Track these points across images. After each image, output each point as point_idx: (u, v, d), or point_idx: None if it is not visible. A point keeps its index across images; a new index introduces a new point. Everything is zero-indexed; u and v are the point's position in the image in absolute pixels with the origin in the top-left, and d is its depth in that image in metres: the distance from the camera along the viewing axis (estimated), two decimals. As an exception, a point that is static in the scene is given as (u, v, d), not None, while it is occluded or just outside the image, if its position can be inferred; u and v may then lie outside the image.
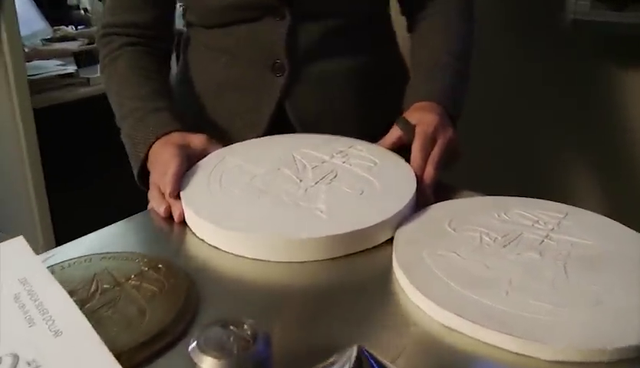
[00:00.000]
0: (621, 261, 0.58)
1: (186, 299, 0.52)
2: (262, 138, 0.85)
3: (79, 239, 0.67)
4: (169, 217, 0.70)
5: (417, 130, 0.77)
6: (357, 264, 0.62)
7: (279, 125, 0.88)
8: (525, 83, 1.43)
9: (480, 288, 0.53)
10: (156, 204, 0.71)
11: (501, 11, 1.36)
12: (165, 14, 0.92)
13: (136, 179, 0.81)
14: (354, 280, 0.59)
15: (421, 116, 0.79)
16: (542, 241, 0.62)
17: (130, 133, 0.82)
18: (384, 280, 0.58)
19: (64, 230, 2.29)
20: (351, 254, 0.62)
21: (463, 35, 0.91)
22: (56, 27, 2.93)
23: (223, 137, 0.89)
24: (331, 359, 0.40)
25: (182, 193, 0.69)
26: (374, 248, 0.64)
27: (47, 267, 0.57)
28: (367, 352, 0.40)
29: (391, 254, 0.61)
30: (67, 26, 3.02)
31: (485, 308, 0.50)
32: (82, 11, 3.21)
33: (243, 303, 0.55)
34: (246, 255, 0.62)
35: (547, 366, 0.46)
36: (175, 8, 0.94)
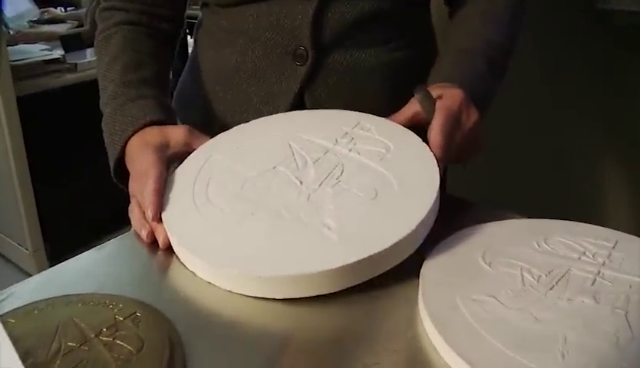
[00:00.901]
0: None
1: (169, 365, 0.42)
2: (253, 122, 0.72)
3: (43, 272, 0.56)
4: (154, 242, 0.60)
5: (439, 105, 0.65)
6: (374, 298, 0.52)
7: None
8: (550, 79, 1.32)
9: (530, 350, 0.43)
10: (138, 226, 0.61)
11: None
12: None
13: (112, 174, 0.71)
14: (370, 323, 0.49)
15: (444, 91, 0.68)
16: (594, 280, 0.52)
17: (108, 121, 0.72)
18: (407, 325, 0.49)
19: (51, 223, 2.20)
20: (366, 285, 0.52)
21: (506, 25, 0.79)
22: (43, 9, 2.81)
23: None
24: None
25: (164, 216, 0.59)
26: (394, 271, 0.53)
27: (0, 316, 0.47)
28: None
29: (412, 277, 0.52)
30: (55, 8, 2.89)
31: (540, 380, 0.41)
32: (71, -8, 3.08)
33: (239, 356, 0.45)
34: (245, 293, 0.52)
35: None
36: None
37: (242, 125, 0.72)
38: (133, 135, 0.68)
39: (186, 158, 0.67)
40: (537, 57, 1.30)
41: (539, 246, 0.57)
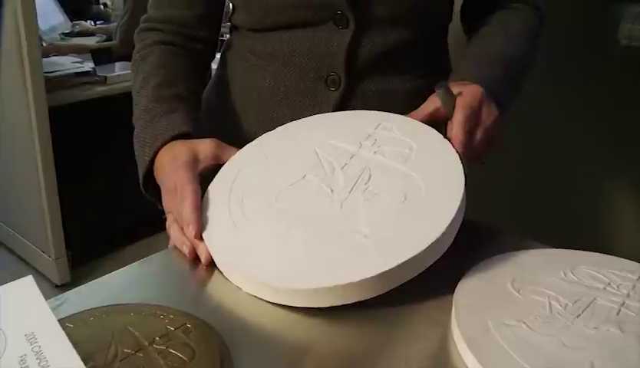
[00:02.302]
0: None
1: (220, 374, 0.45)
2: (276, 130, 0.75)
3: (93, 282, 0.59)
4: (196, 258, 0.63)
5: (460, 101, 0.68)
6: (409, 310, 0.55)
7: None
8: (574, 110, 1.35)
9: (559, 374, 0.46)
10: (179, 243, 0.64)
11: (552, 34, 1.28)
12: (210, 13, 0.85)
13: (141, 185, 0.74)
14: (407, 340, 0.52)
15: (464, 88, 0.70)
16: (619, 310, 0.54)
17: (139, 134, 0.75)
18: (440, 343, 0.51)
19: (74, 232, 2.24)
20: (400, 299, 0.56)
21: (524, 44, 0.82)
22: (75, 22, 2.89)
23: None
24: None
25: (205, 235, 0.62)
26: (427, 281, 0.56)
27: (59, 320, 0.50)
28: None
29: (446, 289, 0.55)
30: (86, 21, 2.97)
31: (569, 404, 0.43)
32: (102, 6, 3.17)
33: (282, 362, 0.49)
34: (288, 304, 0.55)
35: None
36: (223, 8, 0.87)
37: (267, 134, 0.74)
38: (162, 147, 0.71)
39: (215, 171, 0.69)
40: (565, 88, 1.33)
41: (565, 276, 0.59)
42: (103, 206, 2.29)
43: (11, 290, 0.55)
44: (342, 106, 0.79)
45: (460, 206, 0.59)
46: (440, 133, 0.68)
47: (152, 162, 0.72)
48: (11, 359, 0.45)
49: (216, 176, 0.69)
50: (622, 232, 1.38)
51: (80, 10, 3.01)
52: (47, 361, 0.45)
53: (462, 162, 0.63)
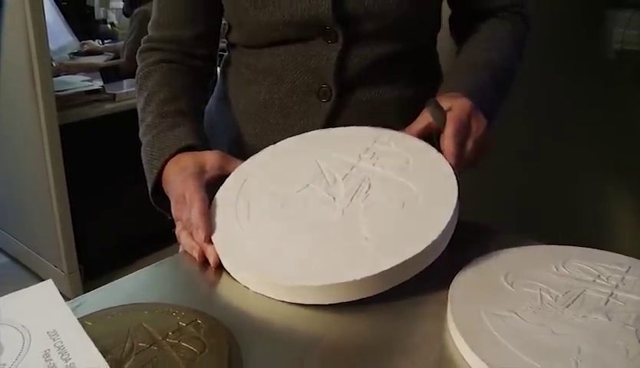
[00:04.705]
0: (699, 328, 0.53)
1: (229, 364, 0.48)
2: (277, 144, 0.78)
3: (107, 285, 0.63)
4: (205, 261, 0.66)
5: (450, 116, 0.71)
6: (408, 306, 0.58)
7: None
8: (567, 113, 1.38)
9: (547, 358, 0.48)
10: (189, 247, 0.67)
11: (547, 39, 1.32)
12: (208, 32, 0.89)
13: (150, 198, 0.78)
14: (405, 333, 0.55)
15: (453, 102, 0.74)
16: (607, 300, 0.57)
17: (146, 149, 0.79)
18: (436, 334, 0.54)
19: (86, 247, 2.28)
20: (400, 294, 0.59)
21: (509, 51, 0.86)
22: (83, 41, 2.95)
23: None
24: None
25: (214, 239, 0.65)
26: (426, 280, 0.60)
27: (78, 319, 0.53)
28: None
29: (441, 287, 0.58)
30: (94, 40, 3.04)
31: (556, 384, 0.46)
32: (109, 26, 3.24)
33: (290, 354, 0.52)
34: (294, 301, 0.58)
35: None
36: (220, 26, 0.91)
37: (269, 147, 0.78)
38: (169, 160, 0.75)
39: (220, 182, 0.73)
40: (560, 91, 1.37)
41: (557, 270, 0.62)
42: (114, 221, 2.33)
43: (33, 293, 0.59)
44: (334, 116, 0.83)
45: (454, 212, 0.63)
46: (434, 145, 0.72)
47: (160, 174, 0.76)
48: (36, 354, 0.49)
49: (223, 185, 0.73)
50: (617, 230, 1.41)
51: (89, 29, 3.08)
52: (68, 355, 0.48)
53: (455, 173, 0.67)
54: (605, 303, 0.57)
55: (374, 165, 0.70)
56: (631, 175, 1.37)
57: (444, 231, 0.61)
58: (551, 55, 1.34)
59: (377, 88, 0.84)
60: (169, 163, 0.75)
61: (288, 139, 0.79)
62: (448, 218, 0.62)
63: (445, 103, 0.74)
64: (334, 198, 0.66)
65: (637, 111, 1.30)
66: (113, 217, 2.33)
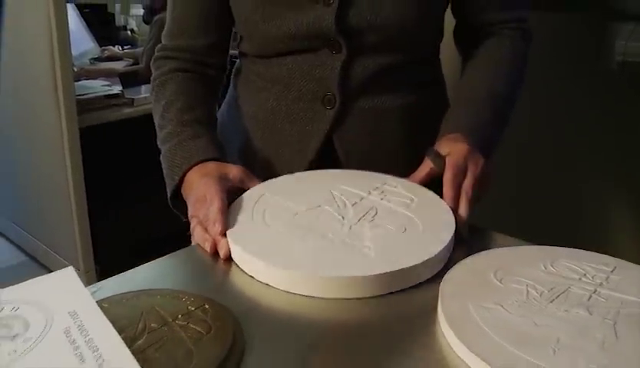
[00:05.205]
0: (674, 323, 0.56)
1: (233, 344, 0.52)
2: (295, 174, 0.85)
3: (123, 273, 0.68)
4: (215, 253, 0.70)
5: (448, 161, 0.77)
6: (402, 304, 0.62)
7: (326, 157, 0.89)
8: (569, 122, 1.42)
9: (527, 346, 0.52)
10: (201, 240, 0.72)
11: (551, 51, 1.35)
12: (220, 41, 0.94)
13: (169, 201, 0.83)
14: (399, 324, 0.59)
15: (451, 147, 0.79)
16: (590, 296, 0.61)
17: (168, 155, 0.84)
18: (427, 328, 0.58)
19: (102, 246, 2.34)
20: (395, 294, 0.63)
21: (510, 77, 0.91)
22: (104, 47, 3.03)
23: (270, 167, 0.90)
24: None
25: (229, 233, 0.70)
26: (419, 286, 0.65)
27: (96, 302, 0.58)
28: None
29: (433, 294, 0.61)
30: (114, 46, 3.12)
31: (533, 367, 0.49)
32: (129, 32, 3.32)
33: (289, 343, 0.56)
34: (298, 292, 0.63)
35: None
36: (230, 36, 0.96)
37: (287, 175, 0.84)
38: (192, 167, 0.80)
39: (238, 194, 0.78)
40: (561, 100, 1.40)
41: (545, 268, 0.66)
42: (130, 221, 2.39)
43: (55, 278, 0.63)
44: (338, 122, 0.88)
45: (451, 239, 0.69)
46: (436, 189, 0.79)
47: (181, 180, 0.81)
48: (58, 331, 0.53)
49: (240, 196, 0.78)
50: (616, 236, 1.43)
51: (109, 36, 3.16)
52: (87, 332, 0.53)
53: (453, 213, 0.74)
54: (588, 299, 0.60)
55: (381, 199, 0.77)
56: (631, 183, 1.39)
57: (439, 253, 0.66)
58: (555, 66, 1.38)
59: (380, 96, 0.88)
60: (190, 171, 0.80)
61: (305, 171, 0.86)
62: (445, 244, 0.67)
63: (444, 148, 0.80)
64: (343, 217, 0.72)
65: (638, 121, 1.33)
66: (129, 218, 2.39)
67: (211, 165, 0.80)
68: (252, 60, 0.94)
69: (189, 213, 0.78)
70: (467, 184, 0.77)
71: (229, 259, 0.69)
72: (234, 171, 0.80)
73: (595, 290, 0.62)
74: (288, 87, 0.89)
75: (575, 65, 1.37)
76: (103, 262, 2.36)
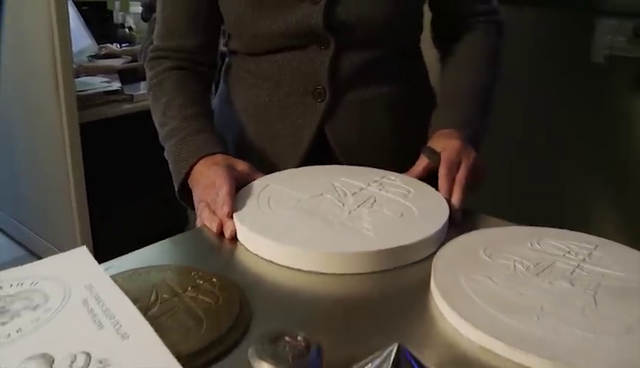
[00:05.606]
0: (650, 293, 0.60)
1: (240, 312, 0.56)
2: (299, 168, 0.90)
3: (132, 253, 0.71)
4: (221, 234, 0.74)
5: (442, 156, 0.83)
6: (398, 280, 0.66)
7: (319, 149, 0.93)
8: (558, 113, 1.46)
9: (513, 313, 0.56)
10: (208, 221, 0.76)
11: (541, 47, 1.40)
12: (210, 40, 0.98)
13: (177, 193, 0.87)
14: (395, 298, 0.63)
15: (445, 143, 0.85)
16: (573, 270, 0.65)
17: (173, 150, 0.87)
18: (422, 299, 0.62)
19: (103, 242, 2.37)
20: (392, 272, 0.67)
21: (490, 71, 0.96)
22: (101, 45, 3.05)
23: (264, 160, 0.94)
24: (372, 356, 0.45)
25: (235, 215, 0.74)
26: (413, 265, 0.69)
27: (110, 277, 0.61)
28: (407, 350, 0.44)
29: (428, 271, 0.65)
30: (111, 43, 3.14)
31: (518, 331, 0.54)
32: (127, 30, 3.34)
33: (293, 313, 0.60)
34: (301, 268, 0.67)
35: (576, 388, 0.49)
36: (219, 34, 1.00)
37: (290, 169, 0.89)
38: (200, 160, 0.84)
39: (242, 186, 0.82)
40: (549, 92, 1.45)
41: (531, 245, 0.70)
42: (130, 217, 2.42)
43: (70, 256, 0.67)
44: (329, 114, 0.92)
45: (445, 222, 0.73)
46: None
47: (188, 174, 0.85)
48: (77, 302, 0.57)
49: (245, 187, 0.82)
50: (604, 227, 1.48)
51: (107, 33, 3.17)
52: (104, 302, 0.57)
53: (449, 204, 0.79)
54: (571, 273, 0.64)
55: (380, 190, 0.82)
56: (619, 172, 1.44)
57: (434, 234, 0.71)
58: (544, 60, 1.42)
59: (367, 88, 0.93)
60: (199, 163, 0.84)
61: (305, 167, 0.90)
62: (439, 227, 0.72)
63: (438, 144, 0.86)
64: (343, 204, 0.77)
65: (624, 111, 1.38)
66: (129, 213, 2.41)
67: (219, 157, 0.84)
68: (241, 57, 0.97)
69: (198, 198, 0.81)
70: (460, 175, 0.82)
71: (234, 239, 0.73)
72: (241, 163, 0.84)
73: (578, 265, 0.66)
74: (278, 83, 0.93)
75: (565, 58, 1.42)
76: (104, 257, 2.38)
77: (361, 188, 0.82)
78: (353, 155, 0.92)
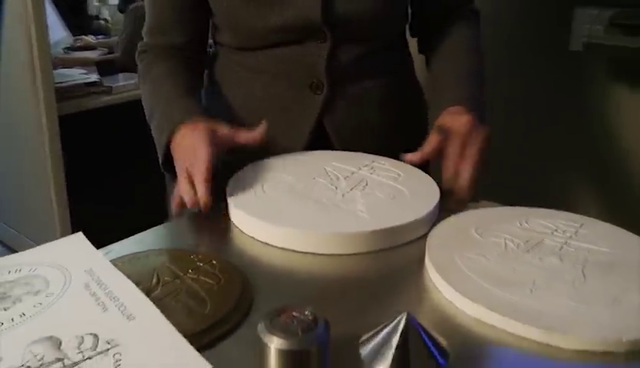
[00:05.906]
0: (635, 266, 0.63)
1: (242, 291, 0.57)
2: (290, 154, 0.90)
3: (128, 238, 0.72)
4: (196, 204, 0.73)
5: (454, 130, 0.83)
6: (393, 260, 0.68)
7: (318, 141, 0.93)
8: (537, 101, 1.50)
9: (507, 287, 0.58)
10: (183, 191, 0.75)
11: (521, 36, 1.43)
12: (199, 35, 0.98)
13: (160, 164, 0.86)
14: (391, 276, 0.65)
15: (454, 118, 0.84)
16: (562, 247, 0.67)
17: (157, 124, 0.86)
18: (417, 277, 0.64)
19: (83, 233, 2.35)
20: (387, 251, 0.69)
21: (479, 59, 0.97)
22: (77, 37, 3.01)
23: (264, 154, 0.94)
24: (382, 325, 0.46)
25: (229, 197, 0.75)
26: (407, 245, 0.70)
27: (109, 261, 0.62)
28: (415, 319, 0.46)
29: (421, 251, 0.67)
30: (86, 35, 3.10)
31: (512, 303, 0.56)
32: (102, 22, 3.30)
33: (291, 293, 0.61)
34: (297, 249, 0.68)
35: (569, 354, 0.51)
36: (208, 28, 0.99)
37: (282, 155, 0.89)
38: (180, 126, 0.81)
39: (229, 151, 0.81)
40: (529, 80, 1.48)
41: (520, 224, 0.72)
42: (111, 209, 2.40)
43: (67, 242, 0.68)
44: (327, 106, 0.93)
45: (435, 206, 0.75)
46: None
47: (169, 141, 0.82)
48: (78, 286, 0.58)
49: (237, 173, 0.82)
50: (573, 197, 1.53)
51: (82, 25, 3.14)
52: (106, 285, 0.57)
53: (439, 185, 0.80)
54: (560, 250, 0.66)
55: (371, 173, 0.83)
56: (597, 156, 1.48)
57: (426, 215, 0.73)
58: (525, 47, 1.45)
59: (362, 80, 0.95)
60: (181, 129, 0.81)
61: (296, 153, 0.91)
62: (430, 208, 0.74)
63: (449, 120, 0.84)
64: (336, 188, 0.78)
65: (600, 96, 1.41)
66: (110, 205, 2.40)
67: (200, 120, 0.82)
68: (233, 51, 0.97)
69: (178, 167, 0.79)
70: (473, 150, 0.81)
71: (229, 225, 0.74)
72: (223, 127, 0.82)
73: (566, 242, 0.68)
74: (276, 77, 0.93)
75: (544, 46, 1.45)
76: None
77: (353, 172, 0.83)
78: (351, 146, 0.93)
